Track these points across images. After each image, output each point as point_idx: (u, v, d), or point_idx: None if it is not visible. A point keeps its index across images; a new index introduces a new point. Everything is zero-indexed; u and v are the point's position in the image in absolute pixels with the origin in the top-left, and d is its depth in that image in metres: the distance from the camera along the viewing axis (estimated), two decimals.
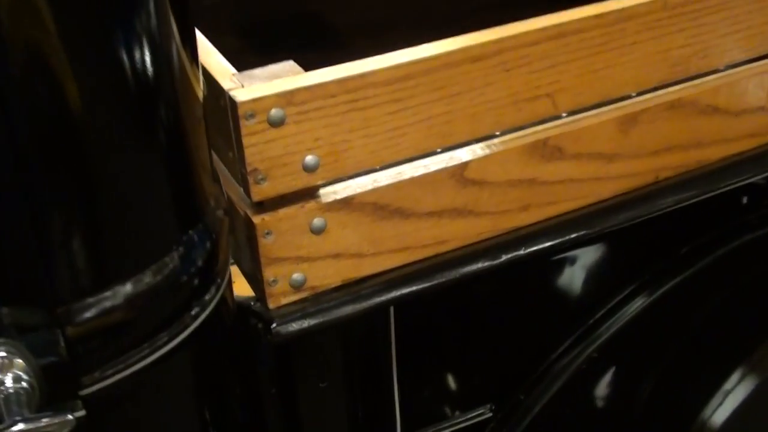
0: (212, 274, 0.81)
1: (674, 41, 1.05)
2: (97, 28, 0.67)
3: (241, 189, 0.91)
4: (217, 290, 0.81)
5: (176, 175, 0.76)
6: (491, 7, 2.24)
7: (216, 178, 0.87)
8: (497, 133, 1.00)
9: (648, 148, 1.09)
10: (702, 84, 1.11)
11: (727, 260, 1.27)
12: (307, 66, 0.91)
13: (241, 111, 0.84)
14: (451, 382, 1.21)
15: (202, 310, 0.79)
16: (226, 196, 0.92)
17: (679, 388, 1.23)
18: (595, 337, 1.22)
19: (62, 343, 0.70)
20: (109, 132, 0.69)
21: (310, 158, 0.89)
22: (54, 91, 0.65)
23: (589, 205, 1.08)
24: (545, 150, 1.02)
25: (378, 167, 0.95)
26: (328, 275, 0.96)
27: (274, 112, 0.85)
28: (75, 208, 0.70)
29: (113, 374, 0.73)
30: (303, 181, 0.90)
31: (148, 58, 0.70)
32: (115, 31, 0.68)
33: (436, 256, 1.01)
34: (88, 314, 0.71)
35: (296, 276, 0.95)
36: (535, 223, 1.05)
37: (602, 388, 1.25)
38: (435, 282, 1.01)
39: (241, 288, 0.99)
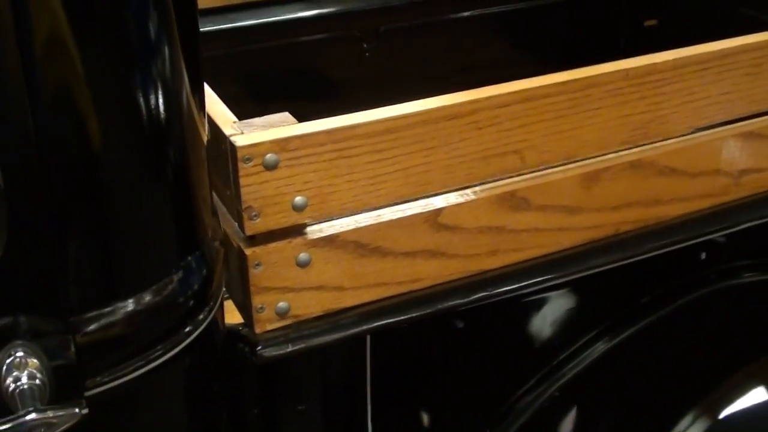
0: (206, 297, 0.93)
1: (635, 108, 1.17)
2: (120, 77, 0.80)
3: (236, 224, 1.03)
4: (210, 312, 0.93)
5: (179, 208, 0.89)
6: (483, 66, 2.40)
7: (215, 213, 0.99)
8: (469, 184, 1.12)
9: (609, 204, 1.21)
10: (661, 147, 1.23)
11: (685, 311, 1.38)
12: (306, 116, 1.04)
13: (239, 154, 0.97)
14: (422, 413, 1.32)
15: (195, 328, 0.91)
16: (222, 229, 1.04)
17: (635, 428, 1.34)
18: (558, 376, 1.33)
19: (72, 349, 0.81)
20: (123, 168, 0.82)
21: (299, 199, 1.01)
22: (79, 128, 0.78)
23: (553, 253, 1.20)
24: (513, 201, 1.14)
25: (360, 209, 1.07)
26: (310, 305, 1.08)
27: (269, 156, 0.98)
28: (89, 232, 0.82)
29: (114, 379, 0.85)
30: (292, 219, 1.02)
31: (162, 106, 0.83)
32: (135, 80, 0.81)
33: (410, 292, 1.13)
34: (96, 325, 0.83)
35: (281, 304, 1.06)
36: (503, 267, 1.17)
37: (563, 426, 1.36)
38: (408, 316, 1.13)
39: (234, 318, 1.10)
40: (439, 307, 1.14)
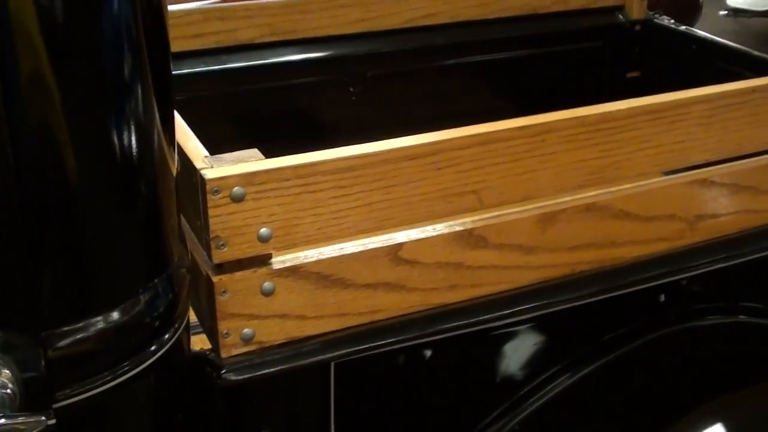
0: (171, 319, 1.01)
1: (590, 153, 1.26)
2: (95, 113, 0.89)
3: (205, 252, 1.11)
4: (175, 333, 1.01)
5: (147, 234, 0.97)
6: (467, 113, 2.49)
7: (182, 241, 1.07)
8: (429, 221, 1.20)
9: (565, 244, 1.30)
10: (616, 191, 1.32)
11: (644, 351, 1.46)
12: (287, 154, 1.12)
13: (208, 187, 1.05)
14: None
15: (160, 347, 0.99)
16: (191, 257, 1.13)
17: None
18: (518, 411, 1.40)
19: (43, 362, 0.89)
20: (96, 195, 0.91)
21: (264, 230, 1.10)
22: (55, 159, 0.87)
23: (511, 290, 1.28)
24: (471, 238, 1.22)
25: (323, 242, 1.15)
26: (274, 332, 1.16)
27: (236, 189, 1.06)
28: (62, 254, 0.91)
29: (83, 392, 0.93)
30: (257, 250, 1.11)
31: (133, 140, 0.92)
32: (109, 116, 0.90)
33: (371, 323, 1.21)
34: (66, 340, 0.91)
35: (246, 331, 1.14)
36: (461, 302, 1.25)
37: None
38: (369, 345, 1.21)
39: (205, 345, 1.18)
40: (399, 338, 1.22)
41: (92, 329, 0.93)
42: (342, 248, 1.17)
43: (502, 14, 2.50)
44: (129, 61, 0.90)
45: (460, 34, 2.51)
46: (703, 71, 2.37)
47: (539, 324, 1.38)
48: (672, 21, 2.55)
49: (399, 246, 1.19)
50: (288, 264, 1.14)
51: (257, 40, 2.38)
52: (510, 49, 2.54)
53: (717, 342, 1.57)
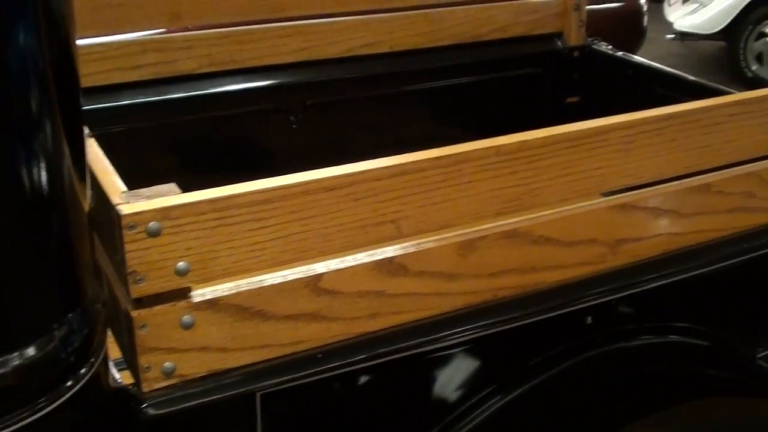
0: (87, 353, 1.04)
1: (507, 181, 1.31)
2: (3, 151, 0.92)
3: (124, 287, 1.15)
4: (91, 367, 1.05)
5: (59, 270, 1.01)
6: (409, 140, 2.55)
7: (98, 275, 1.11)
8: (348, 251, 1.24)
9: (486, 270, 1.35)
10: (535, 218, 1.37)
11: (573, 372, 1.51)
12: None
13: (124, 222, 1.09)
14: None
15: (77, 382, 1.02)
16: (112, 292, 1.16)
17: None
18: None
19: None
20: (6, 233, 0.94)
21: (181, 264, 1.13)
22: None
23: (433, 317, 1.32)
24: (391, 267, 1.27)
25: (242, 275, 1.19)
26: (195, 365, 1.19)
27: (152, 224, 1.10)
28: None
29: (2, 428, 0.95)
30: (175, 283, 1.14)
31: (43, 177, 0.95)
32: (18, 154, 0.93)
33: (293, 353, 1.25)
34: None
35: (167, 364, 1.18)
36: (384, 330, 1.29)
37: None
38: (293, 376, 1.24)
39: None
40: (323, 368, 1.26)
41: (8, 366, 0.96)
42: (261, 280, 1.21)
43: (442, 43, 2.57)
44: (35, 96, 0.94)
45: (400, 63, 2.57)
46: (641, 96, 2.45)
47: (466, 349, 1.42)
48: (610, 47, 2.63)
49: (318, 276, 1.23)
50: (207, 297, 1.18)
51: (197, 71, 2.42)
52: (450, 77, 2.61)
53: (648, 362, 1.62)
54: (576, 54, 2.62)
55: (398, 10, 2.55)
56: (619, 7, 4.92)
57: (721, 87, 2.30)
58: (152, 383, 1.18)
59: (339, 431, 1.39)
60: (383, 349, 1.29)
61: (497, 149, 1.29)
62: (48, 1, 0.96)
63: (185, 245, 1.13)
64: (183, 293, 1.16)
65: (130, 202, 1.12)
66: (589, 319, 1.53)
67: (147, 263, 1.12)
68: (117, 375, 1.24)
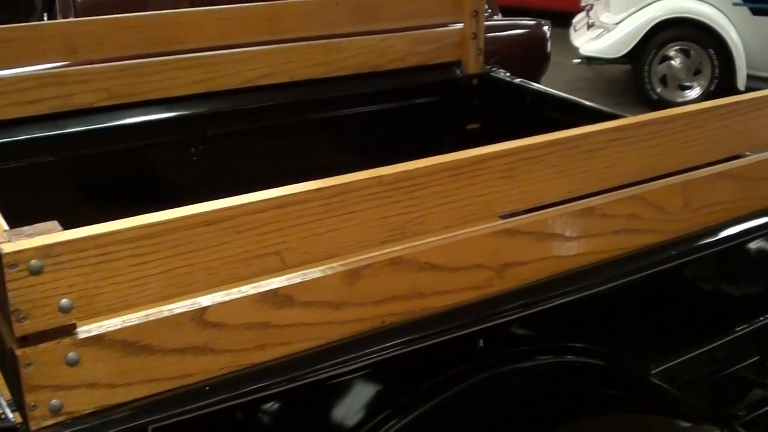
0: None
1: (390, 210, 1.37)
2: None
3: (7, 326, 1.18)
4: None
5: None
6: (313, 169, 2.62)
7: None
8: (233, 284, 1.29)
9: (372, 298, 1.40)
10: (420, 245, 1.43)
11: (466, 394, 1.57)
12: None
13: (5, 261, 1.13)
14: None
15: None
16: None
17: None
18: None
19: None
20: None
21: (65, 301, 1.17)
22: None
23: (321, 346, 1.37)
24: (276, 298, 1.32)
25: (126, 310, 1.23)
26: (83, 402, 1.23)
27: (34, 262, 1.14)
28: None
29: None
30: (59, 321, 1.18)
31: None
32: None
33: (181, 387, 1.29)
34: None
35: (54, 402, 1.21)
36: (271, 360, 1.34)
37: None
38: (182, 409, 1.28)
39: None
40: (211, 400, 1.30)
41: None
42: (146, 315, 1.25)
43: (342, 72, 2.64)
44: None
45: (301, 93, 2.63)
46: (539, 121, 2.54)
47: (358, 376, 1.48)
48: (508, 74, 2.73)
49: (204, 310, 1.28)
50: (92, 333, 1.21)
51: (95, 104, 2.46)
52: (352, 106, 2.68)
53: (541, 382, 1.69)
54: (475, 82, 2.72)
55: (297, 40, 2.61)
56: (522, 34, 5.07)
57: (616, 112, 2.41)
58: (40, 421, 1.21)
59: None
60: (272, 380, 1.34)
61: (379, 179, 1.35)
62: None
63: (68, 282, 1.17)
64: (68, 330, 1.20)
65: (11, 241, 1.15)
66: (481, 342, 1.60)
67: (30, 301, 1.15)
68: (10, 414, 1.27)
